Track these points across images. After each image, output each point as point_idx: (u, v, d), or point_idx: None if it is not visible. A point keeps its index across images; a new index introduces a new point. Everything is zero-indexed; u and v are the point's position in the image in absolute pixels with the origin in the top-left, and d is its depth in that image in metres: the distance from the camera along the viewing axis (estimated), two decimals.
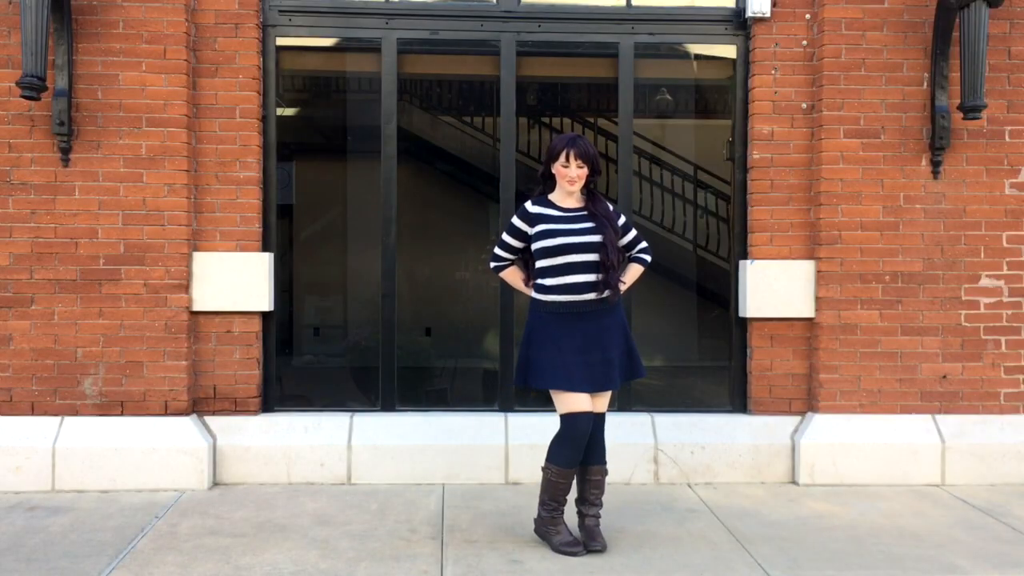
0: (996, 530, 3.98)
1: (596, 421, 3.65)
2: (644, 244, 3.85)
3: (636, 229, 3.84)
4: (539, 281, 3.65)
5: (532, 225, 3.65)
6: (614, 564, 3.47)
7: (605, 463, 3.72)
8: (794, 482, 4.75)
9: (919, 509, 4.29)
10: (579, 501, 3.74)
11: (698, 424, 4.85)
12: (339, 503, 4.29)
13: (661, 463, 4.73)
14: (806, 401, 4.88)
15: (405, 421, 4.80)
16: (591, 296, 3.60)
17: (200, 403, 4.69)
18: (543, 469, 3.65)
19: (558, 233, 3.59)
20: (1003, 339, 4.79)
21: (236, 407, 4.70)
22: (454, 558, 3.53)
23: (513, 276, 3.84)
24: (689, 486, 4.68)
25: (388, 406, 4.92)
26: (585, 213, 3.65)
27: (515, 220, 3.73)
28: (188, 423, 4.56)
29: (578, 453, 3.58)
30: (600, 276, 3.58)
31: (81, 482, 4.43)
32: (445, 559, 3.52)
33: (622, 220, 3.77)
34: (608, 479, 3.64)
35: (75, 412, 4.54)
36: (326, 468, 4.64)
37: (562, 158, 3.61)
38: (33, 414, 4.53)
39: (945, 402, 4.80)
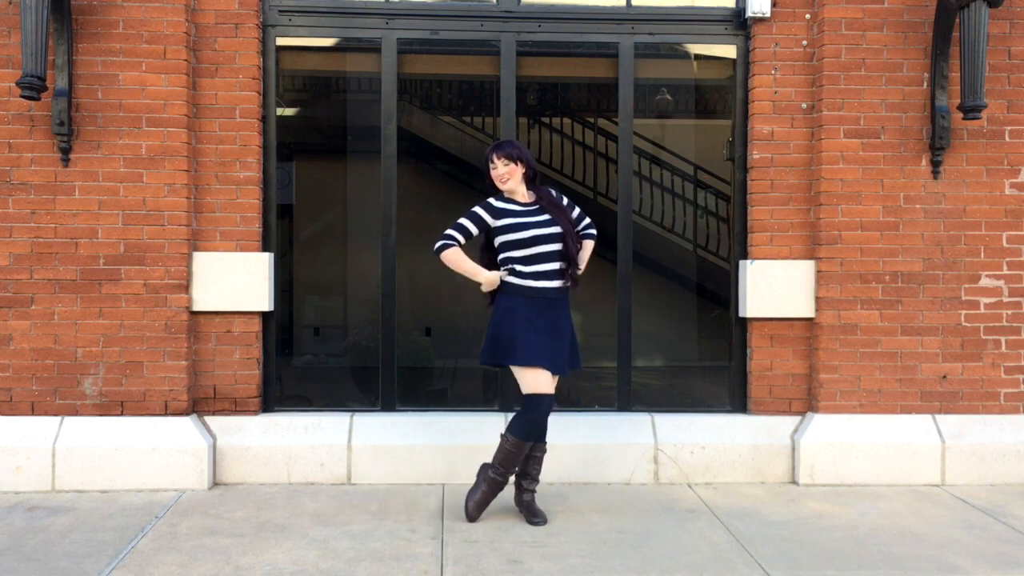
0: (996, 530, 3.98)
1: None
2: (588, 220, 4.15)
3: (577, 207, 4.13)
4: (514, 267, 3.90)
5: (497, 218, 3.93)
6: (614, 564, 3.47)
7: (546, 441, 4.00)
8: (794, 482, 4.75)
9: (919, 509, 4.29)
10: (521, 475, 4.03)
11: (698, 424, 4.85)
12: (339, 503, 4.30)
13: (661, 463, 4.73)
14: (806, 401, 4.88)
15: (405, 421, 4.80)
16: (559, 283, 3.92)
17: (200, 403, 4.69)
18: (501, 437, 3.94)
19: (528, 226, 3.88)
20: (1003, 339, 4.80)
21: (236, 407, 4.70)
22: (454, 558, 3.53)
23: (457, 256, 3.95)
24: (689, 486, 4.68)
25: (388, 406, 4.92)
26: (539, 207, 3.96)
27: (478, 210, 3.97)
28: (188, 423, 4.56)
29: (536, 430, 3.88)
30: (563, 264, 3.91)
31: (81, 482, 4.44)
32: (445, 559, 3.52)
33: (565, 201, 4.08)
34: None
35: (75, 412, 4.54)
36: (326, 468, 4.64)
37: (490, 163, 3.96)
38: (33, 414, 4.53)
39: (945, 402, 4.80)
